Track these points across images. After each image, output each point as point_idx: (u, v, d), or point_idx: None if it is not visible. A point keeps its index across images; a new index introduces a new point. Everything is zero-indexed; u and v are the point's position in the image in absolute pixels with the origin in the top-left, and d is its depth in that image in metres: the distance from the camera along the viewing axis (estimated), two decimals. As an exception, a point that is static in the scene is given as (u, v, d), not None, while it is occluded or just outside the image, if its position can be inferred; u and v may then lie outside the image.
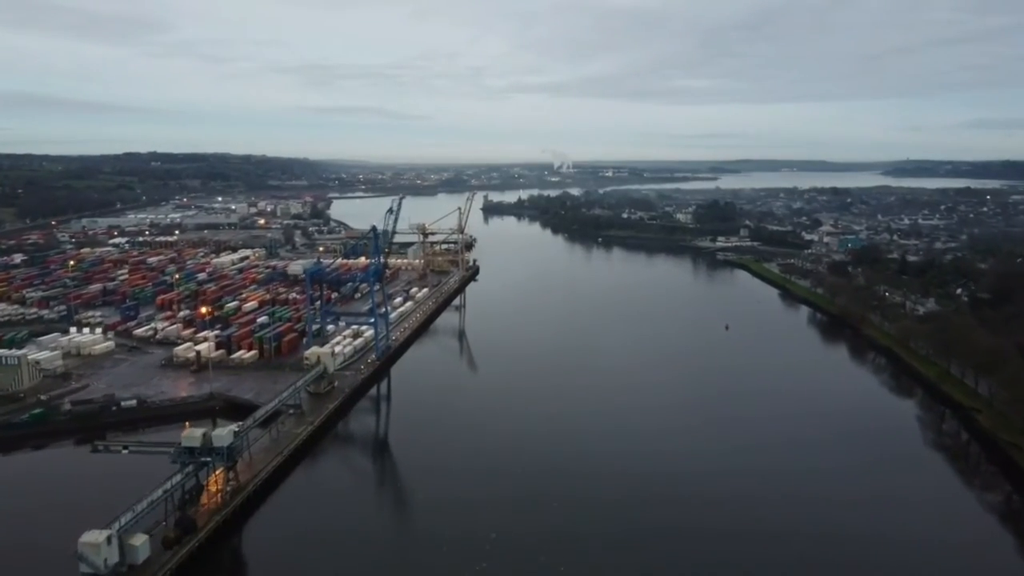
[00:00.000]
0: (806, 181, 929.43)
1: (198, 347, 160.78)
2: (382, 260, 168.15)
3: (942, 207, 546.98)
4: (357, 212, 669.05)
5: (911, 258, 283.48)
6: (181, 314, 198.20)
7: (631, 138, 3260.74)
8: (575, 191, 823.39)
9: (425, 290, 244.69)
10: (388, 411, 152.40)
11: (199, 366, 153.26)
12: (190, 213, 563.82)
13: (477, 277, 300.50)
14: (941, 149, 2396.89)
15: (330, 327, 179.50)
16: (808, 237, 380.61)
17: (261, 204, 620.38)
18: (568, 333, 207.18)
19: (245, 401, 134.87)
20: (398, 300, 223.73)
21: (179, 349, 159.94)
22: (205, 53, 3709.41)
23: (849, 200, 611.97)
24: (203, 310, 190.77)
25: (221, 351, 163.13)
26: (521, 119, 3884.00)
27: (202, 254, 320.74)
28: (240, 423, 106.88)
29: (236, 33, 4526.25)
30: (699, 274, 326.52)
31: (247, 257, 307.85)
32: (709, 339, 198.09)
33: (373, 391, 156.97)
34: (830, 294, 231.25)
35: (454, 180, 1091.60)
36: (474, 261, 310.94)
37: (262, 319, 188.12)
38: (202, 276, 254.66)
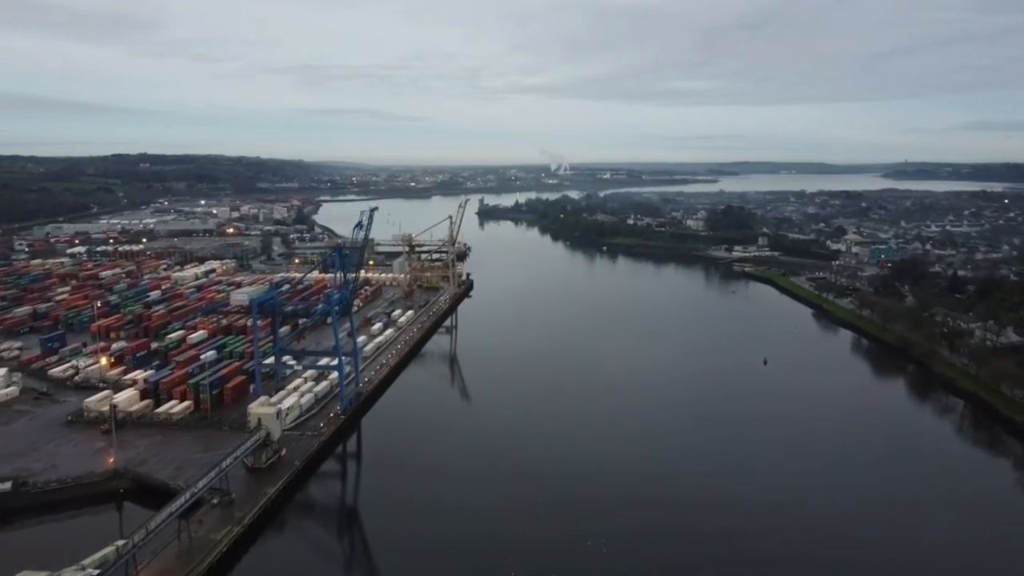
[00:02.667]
0: (807, 184, 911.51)
1: (117, 397, 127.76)
2: (354, 280, 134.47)
3: (966, 212, 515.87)
4: (347, 215, 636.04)
5: (960, 273, 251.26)
6: (116, 346, 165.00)
7: (628, 140, 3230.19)
8: (574, 194, 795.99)
9: (410, 312, 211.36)
10: (356, 484, 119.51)
11: (113, 424, 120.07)
12: (168, 218, 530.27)
13: (471, 293, 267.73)
14: (940, 151, 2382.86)
15: (290, 366, 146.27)
16: (834, 246, 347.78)
17: (244, 208, 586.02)
18: (576, 363, 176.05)
19: (160, 482, 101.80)
20: (376, 327, 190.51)
21: (91, 400, 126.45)
22: (196, 52, 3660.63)
23: (864, 204, 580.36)
24: (139, 341, 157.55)
25: (146, 402, 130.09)
26: (517, 120, 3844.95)
27: (164, 267, 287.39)
28: (121, 542, 73.87)
29: (227, 32, 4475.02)
30: (719, 289, 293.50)
31: (213, 270, 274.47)
32: (746, 377, 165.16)
33: (337, 455, 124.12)
34: (882, 319, 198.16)
35: (449, 182, 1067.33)
36: (467, 275, 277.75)
37: (208, 354, 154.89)
38: (154, 295, 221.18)
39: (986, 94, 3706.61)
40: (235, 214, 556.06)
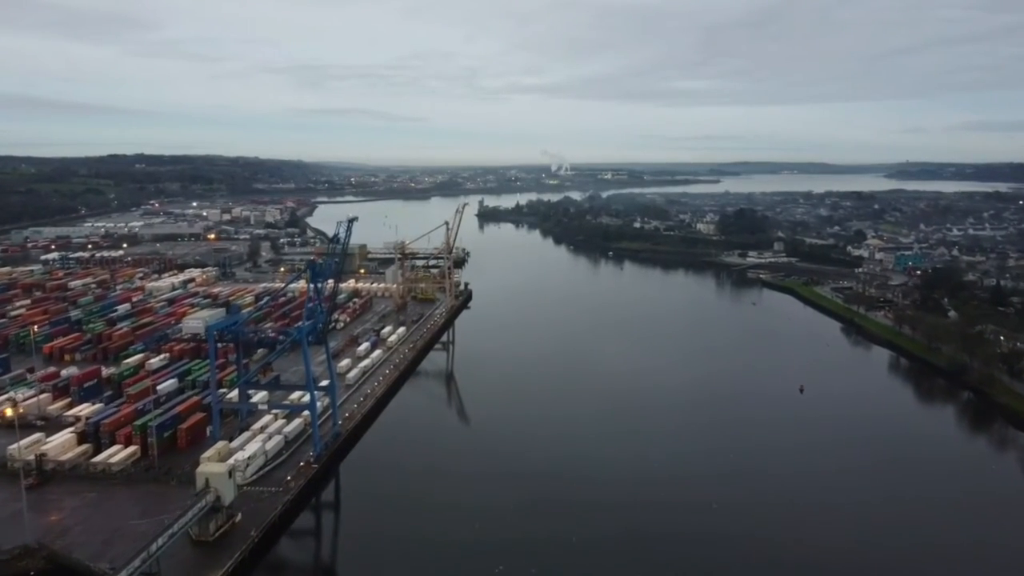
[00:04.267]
0: (809, 184, 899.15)
1: (49, 442, 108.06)
2: (330, 303, 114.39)
3: (985, 214, 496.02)
4: (343, 217, 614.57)
5: (1002, 282, 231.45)
6: (66, 372, 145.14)
7: (628, 140, 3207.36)
8: (575, 195, 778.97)
9: (401, 329, 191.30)
10: (331, 551, 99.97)
11: (39, 478, 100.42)
12: (156, 221, 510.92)
13: (470, 304, 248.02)
14: (940, 151, 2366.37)
15: (255, 405, 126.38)
16: (855, 252, 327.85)
17: (236, 210, 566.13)
18: (589, 388, 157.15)
19: (79, 563, 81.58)
20: (363, 347, 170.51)
21: (15, 448, 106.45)
22: (193, 52, 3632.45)
23: (877, 206, 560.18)
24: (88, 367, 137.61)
25: (84, 447, 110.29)
26: (517, 121, 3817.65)
27: (140, 275, 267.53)
28: None
29: (224, 31, 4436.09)
30: (737, 300, 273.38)
31: (192, 280, 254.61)
32: (783, 407, 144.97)
33: (310, 510, 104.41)
34: (927, 338, 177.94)
35: (448, 183, 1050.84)
36: (466, 285, 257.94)
37: (167, 384, 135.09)
38: (122, 309, 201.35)
39: (986, 94, 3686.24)
40: (226, 216, 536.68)
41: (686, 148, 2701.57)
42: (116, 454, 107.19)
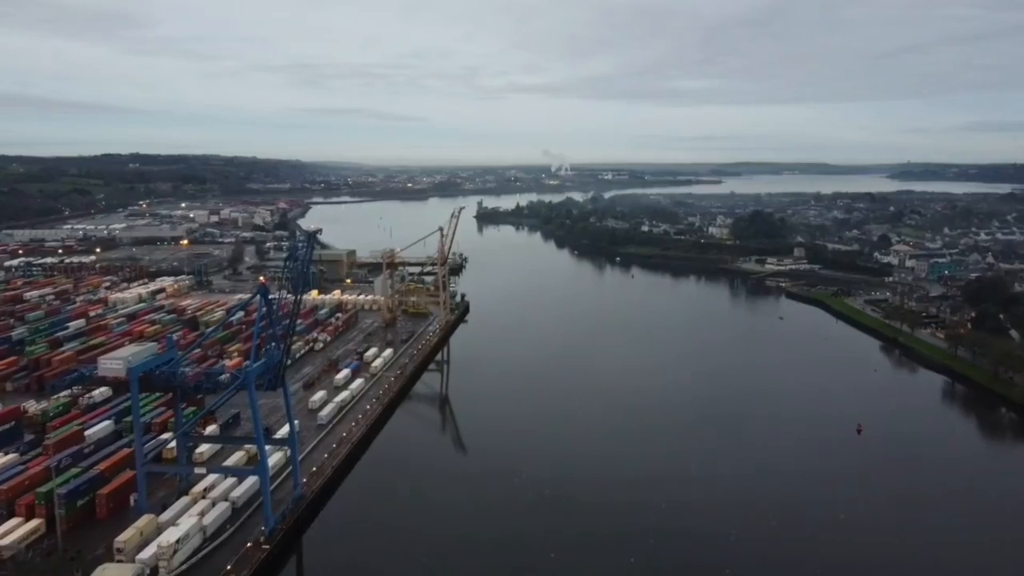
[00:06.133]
0: (811, 185, 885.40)
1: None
2: (287, 339, 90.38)
3: (1009, 216, 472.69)
4: (338, 218, 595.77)
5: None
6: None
7: (628, 140, 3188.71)
8: (577, 195, 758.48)
9: (388, 351, 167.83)
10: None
11: None
12: (140, 223, 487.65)
13: (467, 318, 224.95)
14: (941, 152, 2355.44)
15: (206, 450, 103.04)
16: (883, 259, 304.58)
17: (225, 212, 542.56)
18: (602, 418, 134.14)
19: None
20: (343, 374, 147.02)
21: None
22: (189, 50, 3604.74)
23: (892, 208, 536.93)
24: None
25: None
26: (517, 120, 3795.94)
27: (107, 284, 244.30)
28: None
29: (219, 29, 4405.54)
30: (761, 312, 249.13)
31: (163, 290, 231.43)
32: (844, 453, 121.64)
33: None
34: (993, 365, 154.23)
35: (447, 183, 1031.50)
36: (462, 297, 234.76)
37: (100, 427, 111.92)
38: (75, 326, 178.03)
39: (986, 95, 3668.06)
40: (214, 218, 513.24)
41: (687, 148, 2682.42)
42: (11, 531, 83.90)
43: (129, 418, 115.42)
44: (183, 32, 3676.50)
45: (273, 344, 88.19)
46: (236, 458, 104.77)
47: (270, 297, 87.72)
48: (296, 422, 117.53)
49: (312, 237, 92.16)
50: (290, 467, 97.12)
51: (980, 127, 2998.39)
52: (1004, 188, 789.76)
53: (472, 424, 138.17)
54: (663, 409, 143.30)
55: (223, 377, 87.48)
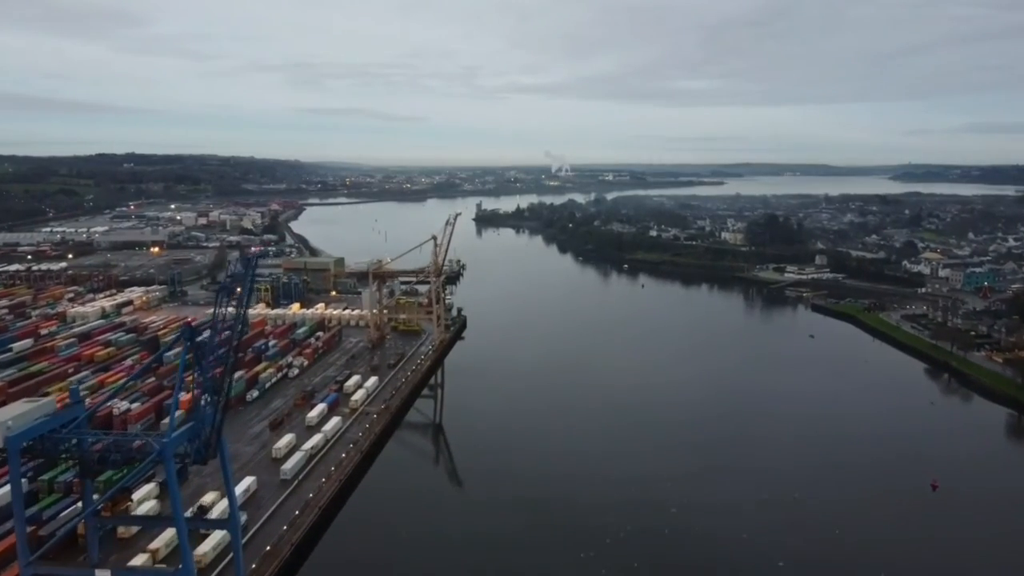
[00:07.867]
0: (813, 186, 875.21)
1: None
2: (223, 396, 68.37)
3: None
4: (333, 219, 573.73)
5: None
6: None
7: (628, 140, 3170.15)
8: (578, 197, 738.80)
9: (373, 380, 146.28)
10: None
11: None
12: (124, 225, 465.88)
13: (464, 334, 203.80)
14: (942, 153, 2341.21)
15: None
16: (913, 268, 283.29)
17: (214, 214, 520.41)
18: (627, 458, 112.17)
19: None
20: (318, 409, 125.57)
21: None
22: (186, 49, 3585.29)
23: (908, 211, 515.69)
24: None
25: None
26: (516, 120, 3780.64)
27: (70, 295, 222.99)
28: None
29: (217, 28, 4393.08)
30: (786, 328, 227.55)
31: (130, 303, 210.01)
32: (920, 520, 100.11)
33: None
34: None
35: (446, 184, 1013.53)
36: (459, 311, 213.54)
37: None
38: (19, 348, 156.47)
39: (988, 96, 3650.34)
40: (201, 220, 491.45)
41: (687, 149, 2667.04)
42: None
43: (44, 477, 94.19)
44: (181, 30, 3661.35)
45: (204, 402, 66.59)
46: (166, 539, 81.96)
47: (199, 339, 66.13)
48: (251, 479, 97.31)
49: (257, 259, 70.42)
50: (231, 554, 75.51)
51: (982, 128, 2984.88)
52: (1008, 190, 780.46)
53: (470, 462, 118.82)
54: (693, 464, 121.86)
55: (136, 445, 65.85)
